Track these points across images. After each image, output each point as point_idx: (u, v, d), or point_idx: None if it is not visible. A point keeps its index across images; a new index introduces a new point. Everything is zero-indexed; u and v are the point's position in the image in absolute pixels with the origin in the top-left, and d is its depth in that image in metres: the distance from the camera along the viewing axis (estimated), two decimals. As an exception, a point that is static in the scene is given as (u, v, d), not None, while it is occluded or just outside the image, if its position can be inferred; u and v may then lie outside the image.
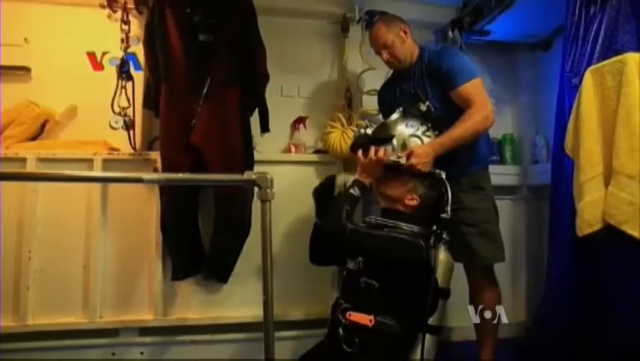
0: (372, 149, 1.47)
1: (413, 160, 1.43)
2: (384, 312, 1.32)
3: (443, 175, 1.47)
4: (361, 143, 1.51)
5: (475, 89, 1.57)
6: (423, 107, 1.55)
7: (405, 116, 1.55)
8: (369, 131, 1.54)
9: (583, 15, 1.61)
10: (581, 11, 1.62)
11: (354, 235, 1.35)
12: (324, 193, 1.64)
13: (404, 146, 1.49)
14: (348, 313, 1.34)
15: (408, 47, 1.68)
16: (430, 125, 1.54)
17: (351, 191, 1.44)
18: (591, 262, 1.60)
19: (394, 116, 1.54)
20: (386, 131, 1.52)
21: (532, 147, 2.35)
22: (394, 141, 1.49)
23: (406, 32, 1.69)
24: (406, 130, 1.52)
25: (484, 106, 1.54)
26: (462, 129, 1.50)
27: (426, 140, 1.51)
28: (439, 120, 1.56)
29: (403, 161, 1.44)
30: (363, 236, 1.36)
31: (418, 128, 1.52)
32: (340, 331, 1.33)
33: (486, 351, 1.63)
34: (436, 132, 1.54)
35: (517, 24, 2.14)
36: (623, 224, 1.24)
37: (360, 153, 1.50)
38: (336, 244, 1.39)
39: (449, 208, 1.40)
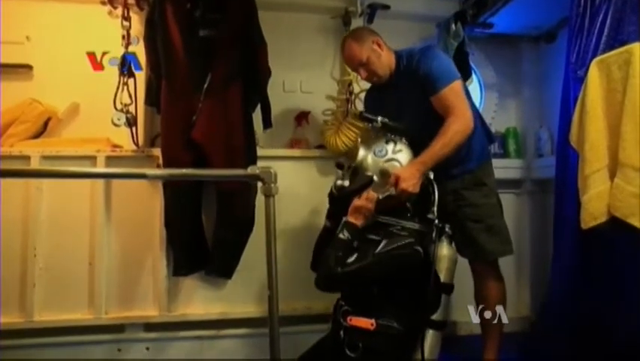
0: (364, 196, 1.40)
1: (402, 185, 1.40)
2: (386, 314, 1.31)
3: (431, 175, 1.46)
4: (344, 197, 1.45)
5: (454, 94, 1.51)
6: (378, 124, 1.51)
7: (368, 145, 1.51)
8: (346, 183, 1.49)
9: (588, 6, 1.59)
10: (586, 2, 1.60)
11: (346, 278, 1.29)
12: (338, 200, 1.54)
13: (385, 175, 1.45)
14: (349, 318, 1.33)
15: (384, 60, 1.60)
16: (394, 137, 1.51)
17: (341, 236, 1.35)
18: (596, 255, 1.60)
19: (361, 153, 1.48)
20: (362, 175, 1.47)
21: (537, 141, 2.34)
22: (375, 178, 1.45)
23: (379, 44, 1.60)
24: (377, 159, 1.47)
25: (463, 115, 1.49)
26: (442, 144, 1.46)
27: (401, 156, 1.47)
28: (399, 126, 1.52)
29: (393, 191, 1.41)
30: (355, 274, 1.29)
31: (387, 151, 1.47)
32: (342, 334, 1.33)
33: (491, 351, 1.62)
34: (403, 139, 1.52)
35: (520, 16, 2.12)
36: (629, 217, 1.23)
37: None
38: (332, 290, 1.37)
39: (435, 209, 1.40)
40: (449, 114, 1.49)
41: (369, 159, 1.48)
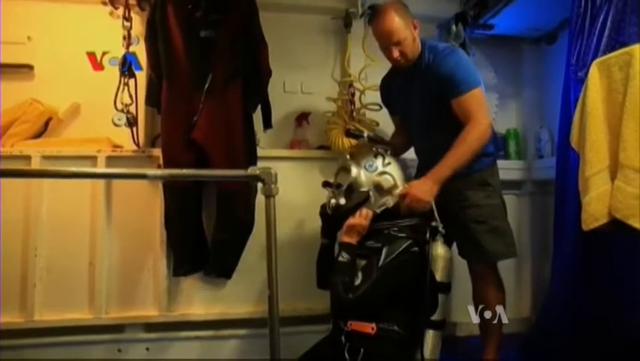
0: (358, 214, 1.41)
1: (414, 204, 1.41)
2: (386, 318, 1.31)
3: None
4: (341, 216, 1.45)
5: (476, 100, 1.49)
6: (364, 139, 1.55)
7: (357, 161, 1.51)
8: (342, 201, 1.48)
9: (589, 7, 1.59)
10: (587, 3, 1.60)
11: (359, 299, 1.30)
12: (330, 218, 1.54)
13: (379, 187, 1.46)
14: (349, 323, 1.33)
15: (416, 45, 1.56)
16: (381, 150, 1.52)
17: (340, 259, 1.36)
18: (596, 257, 1.59)
19: (353, 171, 1.49)
20: (357, 193, 1.47)
21: (537, 142, 2.34)
22: (370, 194, 1.46)
23: (415, 27, 1.55)
24: (369, 174, 1.48)
25: (481, 122, 1.47)
26: (460, 153, 1.45)
27: (391, 169, 1.49)
28: (384, 140, 1.56)
29: (390, 204, 1.43)
30: (367, 294, 1.30)
31: (377, 165, 1.48)
32: (343, 339, 1.32)
33: (490, 351, 1.61)
34: (388, 151, 1.53)
35: (521, 17, 2.12)
36: (630, 218, 1.23)
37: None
38: (351, 316, 1.36)
39: (438, 221, 1.40)
40: (468, 120, 1.48)
41: (362, 175, 1.48)
